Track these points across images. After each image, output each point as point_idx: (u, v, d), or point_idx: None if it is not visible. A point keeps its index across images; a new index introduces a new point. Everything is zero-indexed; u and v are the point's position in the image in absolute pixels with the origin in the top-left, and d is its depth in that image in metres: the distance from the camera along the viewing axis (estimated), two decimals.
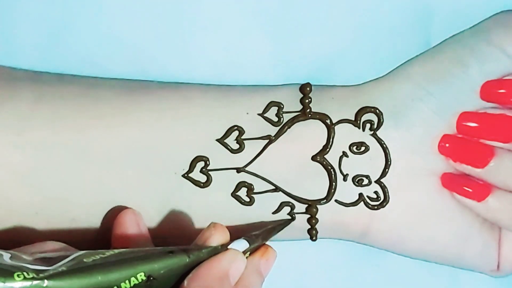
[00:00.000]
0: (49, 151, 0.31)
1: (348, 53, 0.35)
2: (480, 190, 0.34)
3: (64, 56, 0.34)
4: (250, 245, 0.31)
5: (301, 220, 0.34)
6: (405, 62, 0.35)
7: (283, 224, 0.34)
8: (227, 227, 0.31)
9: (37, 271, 0.25)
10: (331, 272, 0.39)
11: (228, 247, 0.30)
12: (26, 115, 0.31)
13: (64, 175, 0.32)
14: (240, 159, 0.33)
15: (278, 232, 0.33)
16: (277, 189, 0.34)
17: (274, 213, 0.34)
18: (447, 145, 0.34)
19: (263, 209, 0.34)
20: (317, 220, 0.34)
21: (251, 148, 0.33)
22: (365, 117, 0.34)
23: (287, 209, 0.34)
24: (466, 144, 0.34)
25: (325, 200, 0.34)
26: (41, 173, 0.31)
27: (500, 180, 0.33)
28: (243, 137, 0.33)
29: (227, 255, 0.30)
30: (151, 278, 0.27)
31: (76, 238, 0.32)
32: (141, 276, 0.27)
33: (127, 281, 0.26)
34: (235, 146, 0.33)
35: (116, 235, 0.31)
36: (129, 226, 0.31)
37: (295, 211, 0.34)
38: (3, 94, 0.32)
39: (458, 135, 0.34)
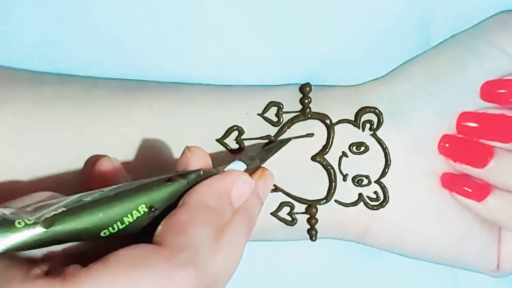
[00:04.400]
0: (49, 152, 0.31)
1: (348, 53, 0.35)
2: (480, 190, 0.34)
3: (64, 56, 0.34)
4: (247, 167, 0.30)
5: (301, 220, 0.34)
6: (405, 62, 0.35)
7: (282, 143, 0.33)
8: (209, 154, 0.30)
9: (38, 217, 0.24)
10: (331, 272, 0.39)
11: (225, 169, 0.29)
12: (26, 115, 0.31)
13: (64, 175, 0.32)
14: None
15: (276, 151, 0.32)
16: (276, 189, 0.34)
17: (273, 213, 0.34)
18: (447, 145, 0.34)
19: (263, 209, 0.34)
20: (316, 220, 0.34)
21: (251, 148, 0.33)
22: (365, 117, 0.34)
23: (286, 209, 0.34)
24: (466, 144, 0.34)
25: (324, 200, 0.34)
26: (41, 173, 0.31)
27: (499, 180, 0.33)
28: (242, 137, 0.33)
29: (229, 174, 0.28)
30: (153, 209, 0.26)
31: None
32: (142, 208, 0.26)
33: (129, 215, 0.26)
34: (235, 146, 0.33)
35: (95, 179, 0.30)
36: (106, 168, 0.30)
37: (294, 211, 0.34)
38: (3, 94, 0.32)
39: (458, 135, 0.34)
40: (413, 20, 0.35)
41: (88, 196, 0.26)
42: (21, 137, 0.31)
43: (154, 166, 0.32)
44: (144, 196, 0.26)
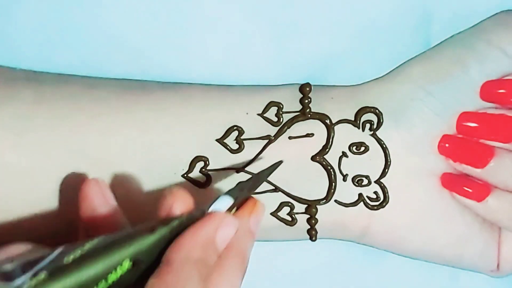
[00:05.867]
0: (49, 151, 0.31)
1: (348, 53, 0.35)
2: (480, 190, 0.34)
3: (64, 56, 0.34)
4: (235, 201, 0.28)
5: (301, 220, 0.34)
6: (405, 62, 0.35)
7: (271, 168, 0.32)
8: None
9: (18, 287, 0.23)
10: (331, 272, 0.39)
11: (211, 208, 0.27)
12: (26, 115, 0.31)
13: (63, 175, 0.32)
14: (239, 159, 0.33)
15: (266, 178, 0.31)
16: (276, 189, 0.34)
17: (273, 213, 0.34)
18: (447, 145, 0.34)
19: None
20: (316, 220, 0.34)
21: (251, 148, 0.33)
22: (365, 117, 0.34)
23: (286, 209, 0.34)
24: (466, 144, 0.34)
25: (324, 200, 0.34)
26: (41, 173, 0.31)
27: (499, 180, 0.33)
28: (242, 137, 0.33)
29: (211, 220, 0.27)
30: (137, 262, 0.25)
31: (76, 239, 0.32)
32: (126, 263, 0.25)
33: (113, 272, 0.24)
34: (235, 146, 0.33)
35: (83, 211, 0.29)
36: (94, 198, 0.29)
37: (294, 211, 0.34)
38: (2, 94, 0.32)
39: (458, 135, 0.34)
40: (413, 20, 0.35)
41: (68, 255, 0.24)
42: (21, 137, 0.31)
43: (154, 166, 0.32)
44: (127, 250, 0.25)
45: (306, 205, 0.34)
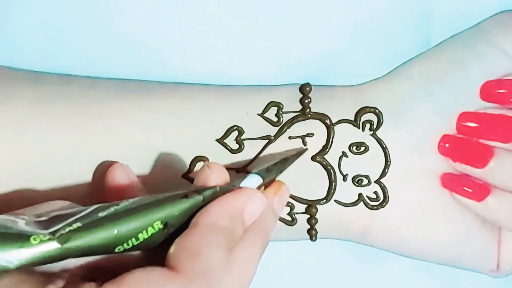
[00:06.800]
0: (49, 152, 0.31)
1: (348, 53, 0.35)
2: (480, 190, 0.34)
3: (64, 56, 0.34)
4: (263, 181, 0.30)
5: (301, 220, 0.34)
6: (405, 62, 0.35)
7: (297, 154, 0.33)
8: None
9: (53, 232, 0.24)
10: (331, 272, 0.39)
11: (241, 184, 0.29)
12: (26, 115, 0.31)
13: (64, 175, 0.32)
14: (239, 159, 0.33)
15: (292, 163, 0.32)
16: None
17: None
18: (447, 145, 0.34)
19: None
20: (316, 220, 0.34)
21: (251, 148, 0.33)
22: (365, 117, 0.34)
23: (286, 209, 0.34)
24: (466, 144, 0.34)
25: (324, 200, 0.34)
26: (41, 173, 0.31)
27: (499, 180, 0.33)
28: (242, 137, 0.33)
29: (241, 193, 0.28)
30: (168, 225, 0.26)
31: None
32: (157, 225, 0.26)
33: (144, 232, 0.26)
34: (235, 146, 0.33)
35: (109, 190, 0.30)
36: (120, 179, 0.30)
37: (294, 211, 0.34)
38: (3, 94, 0.32)
39: (458, 135, 0.34)
40: (413, 20, 0.35)
41: (103, 211, 0.26)
42: (21, 137, 0.31)
43: (154, 166, 0.32)
44: (160, 212, 0.26)
45: (306, 205, 0.34)
